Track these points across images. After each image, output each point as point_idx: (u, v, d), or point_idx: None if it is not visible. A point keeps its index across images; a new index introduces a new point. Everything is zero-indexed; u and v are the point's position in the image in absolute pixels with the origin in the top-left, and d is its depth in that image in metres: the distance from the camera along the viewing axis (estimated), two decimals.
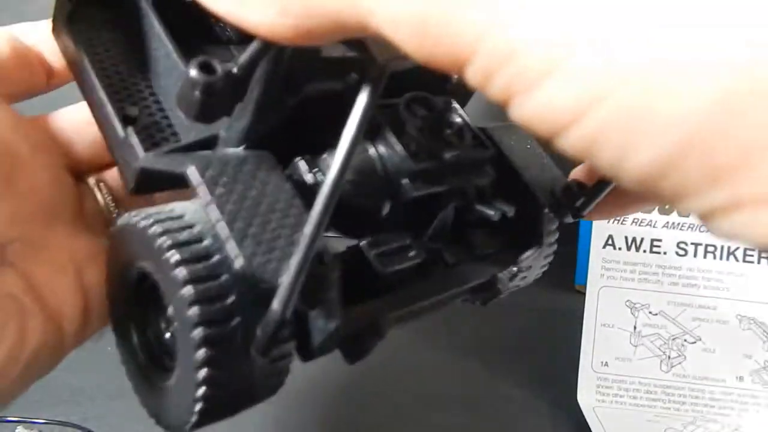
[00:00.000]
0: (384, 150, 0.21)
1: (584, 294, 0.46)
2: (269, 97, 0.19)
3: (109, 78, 0.23)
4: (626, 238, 0.45)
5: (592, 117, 0.12)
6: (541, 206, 0.25)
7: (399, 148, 0.21)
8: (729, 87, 0.11)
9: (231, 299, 0.17)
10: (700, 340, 0.45)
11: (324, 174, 0.20)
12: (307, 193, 0.20)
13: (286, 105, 0.20)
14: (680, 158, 0.11)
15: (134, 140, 0.21)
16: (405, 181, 0.21)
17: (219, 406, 0.19)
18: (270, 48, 0.17)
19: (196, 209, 0.19)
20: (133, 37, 0.24)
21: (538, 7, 0.12)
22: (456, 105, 0.24)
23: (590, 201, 0.24)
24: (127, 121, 0.22)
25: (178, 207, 0.19)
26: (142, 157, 0.21)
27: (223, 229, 0.17)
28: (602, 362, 0.45)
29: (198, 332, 0.17)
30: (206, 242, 0.18)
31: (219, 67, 0.16)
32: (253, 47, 0.17)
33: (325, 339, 0.18)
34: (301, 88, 0.20)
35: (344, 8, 0.14)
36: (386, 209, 0.21)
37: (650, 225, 0.45)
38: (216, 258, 0.17)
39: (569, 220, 0.25)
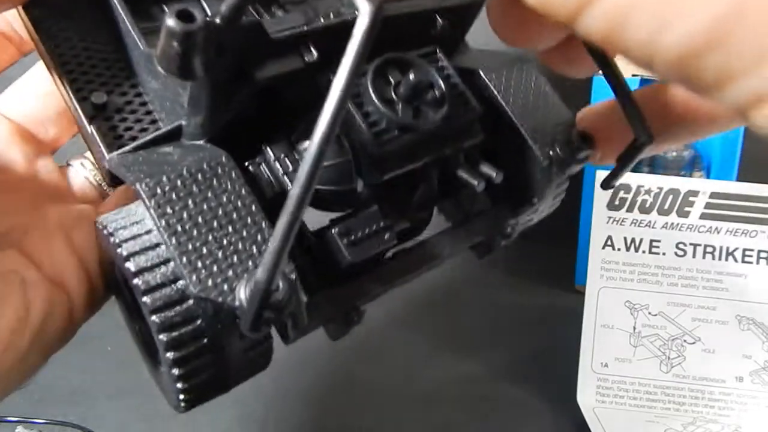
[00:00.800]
0: (349, 129, 0.20)
1: (584, 294, 0.46)
2: (219, 88, 0.18)
3: (70, 63, 0.22)
4: (625, 238, 0.45)
5: None
6: (540, 161, 0.23)
7: (364, 127, 0.19)
8: None
9: (188, 304, 0.17)
10: (700, 340, 0.45)
11: (292, 158, 0.20)
12: (274, 182, 0.20)
13: (242, 94, 0.19)
14: (731, 24, 0.10)
15: (98, 140, 0.21)
16: (371, 164, 0.20)
17: (199, 394, 0.19)
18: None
19: (149, 217, 0.18)
20: (101, 23, 0.23)
21: None
22: (441, 56, 0.22)
23: (616, 174, 0.22)
24: (94, 110, 0.21)
25: (141, 210, 0.18)
26: (107, 158, 0.21)
27: (173, 254, 0.17)
28: (602, 363, 0.45)
29: (162, 337, 0.17)
30: (162, 248, 0.17)
31: (199, 16, 0.15)
32: None
33: (298, 334, 0.19)
34: (254, 75, 0.18)
35: None
36: (360, 186, 0.20)
37: (649, 226, 0.45)
38: (172, 265, 0.17)
39: (574, 171, 0.23)
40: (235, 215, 0.18)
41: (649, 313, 0.45)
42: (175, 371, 0.17)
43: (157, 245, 0.17)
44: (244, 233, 0.17)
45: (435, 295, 0.52)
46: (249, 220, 0.18)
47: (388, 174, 0.20)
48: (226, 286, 0.17)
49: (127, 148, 0.21)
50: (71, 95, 0.21)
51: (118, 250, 0.18)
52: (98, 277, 0.24)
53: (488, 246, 0.25)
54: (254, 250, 0.17)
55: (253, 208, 0.18)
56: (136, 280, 0.17)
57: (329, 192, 0.20)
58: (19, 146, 0.26)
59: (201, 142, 0.20)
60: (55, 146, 0.27)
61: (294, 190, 0.13)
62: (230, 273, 0.17)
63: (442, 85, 0.21)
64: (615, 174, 0.22)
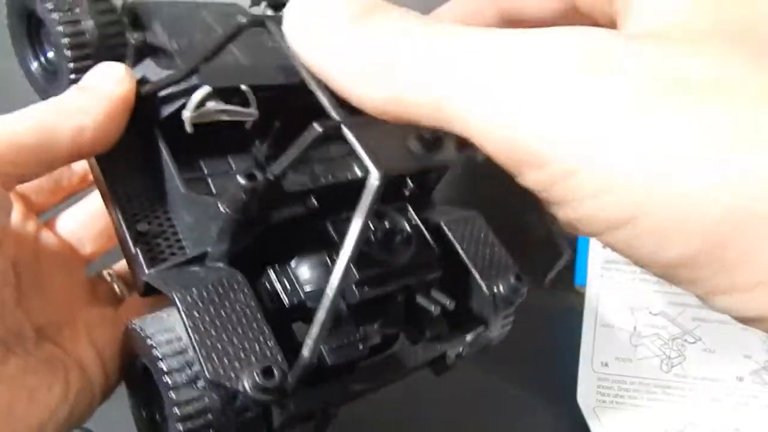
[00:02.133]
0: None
1: (584, 294, 0.46)
2: (241, 228, 0.24)
3: (123, 199, 0.28)
4: None
5: (637, 224, 0.15)
6: (487, 296, 0.29)
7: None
8: (730, 208, 0.14)
9: (206, 401, 0.22)
10: (700, 340, 0.45)
11: (287, 276, 0.26)
12: (275, 297, 0.26)
13: (255, 231, 0.25)
14: (699, 255, 0.15)
15: (140, 259, 0.26)
16: (352, 286, 0.25)
17: None
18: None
19: (180, 323, 0.23)
20: (148, 162, 0.28)
21: (601, 149, 0.15)
22: (410, 210, 0.29)
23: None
24: (138, 235, 0.27)
25: (172, 319, 0.23)
26: (146, 274, 0.26)
27: (195, 347, 0.22)
28: (602, 362, 0.45)
29: (179, 426, 0.21)
30: (190, 354, 0.22)
31: (260, 176, 0.22)
32: (285, 159, 0.22)
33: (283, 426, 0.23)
34: (268, 218, 0.25)
35: (439, 107, 0.17)
36: (342, 306, 0.26)
37: None
38: (196, 367, 0.22)
39: (514, 305, 0.30)
40: (244, 320, 0.23)
41: (650, 313, 0.45)
42: None
43: (185, 350, 0.22)
44: (250, 335, 0.22)
45: None
46: (254, 325, 0.23)
47: (364, 296, 0.25)
48: (232, 374, 0.21)
49: (163, 266, 0.26)
50: (122, 222, 0.27)
51: (154, 351, 0.22)
52: (113, 370, 0.29)
53: (444, 363, 0.31)
54: (256, 347, 0.22)
55: (258, 316, 0.23)
56: (165, 378, 0.22)
57: (312, 308, 0.25)
58: (62, 259, 0.32)
59: (221, 264, 0.25)
60: (89, 259, 0.34)
61: (320, 315, 0.20)
62: (236, 364, 0.22)
63: (410, 231, 0.27)
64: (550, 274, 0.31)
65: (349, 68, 0.19)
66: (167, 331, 0.23)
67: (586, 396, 0.44)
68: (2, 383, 0.24)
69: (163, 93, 0.27)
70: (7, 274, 0.26)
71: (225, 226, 0.24)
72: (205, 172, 0.28)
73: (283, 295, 0.26)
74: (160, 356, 0.22)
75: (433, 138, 0.21)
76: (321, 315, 0.20)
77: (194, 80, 0.26)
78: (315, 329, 0.20)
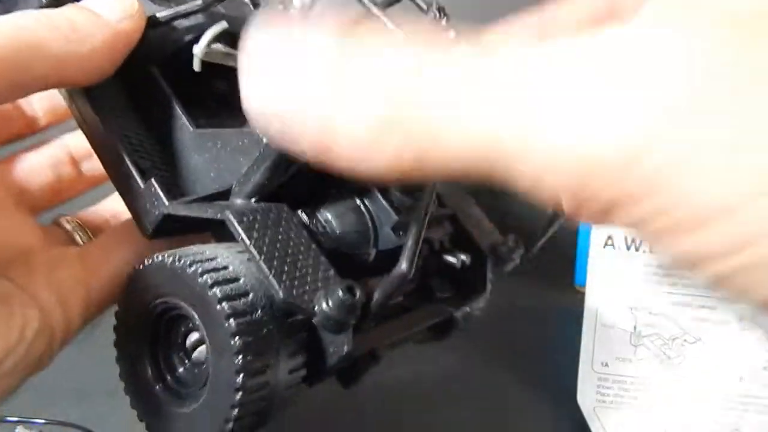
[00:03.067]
0: (371, 205, 0.25)
1: (584, 294, 0.46)
2: (280, 165, 0.22)
3: (118, 132, 0.26)
4: (626, 238, 0.45)
5: (739, 259, 0.13)
6: (485, 258, 0.29)
7: (385, 203, 0.25)
8: None
9: (266, 330, 0.20)
10: (700, 340, 0.45)
11: (319, 221, 0.24)
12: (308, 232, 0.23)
13: (291, 170, 0.23)
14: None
15: (159, 190, 0.24)
16: (388, 230, 0.25)
17: (250, 423, 0.21)
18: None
19: (227, 252, 0.22)
20: (144, 101, 0.26)
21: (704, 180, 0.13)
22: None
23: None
24: (140, 171, 0.25)
25: (207, 249, 0.22)
26: (168, 204, 0.24)
27: (263, 267, 0.20)
28: (602, 362, 0.45)
29: (239, 361, 0.20)
30: (242, 280, 0.21)
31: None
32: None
33: (338, 361, 0.21)
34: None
35: (474, 156, 0.14)
36: (372, 255, 0.25)
37: None
38: (251, 295, 0.20)
39: (508, 268, 0.31)
40: (302, 247, 0.21)
41: (650, 313, 0.45)
42: (238, 396, 0.20)
43: (237, 278, 0.21)
44: (310, 260, 0.21)
45: None
46: (311, 252, 0.21)
47: (400, 240, 0.24)
48: (306, 297, 0.20)
49: (185, 199, 0.24)
50: (124, 156, 0.25)
51: (200, 280, 0.20)
52: (76, 313, 0.26)
53: (445, 329, 0.30)
54: (318, 274, 0.21)
55: (313, 245, 0.22)
56: (222, 306, 0.20)
57: (349, 256, 0.24)
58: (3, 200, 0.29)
59: (252, 201, 0.23)
60: (34, 209, 0.30)
61: (414, 227, 0.21)
62: (307, 287, 0.20)
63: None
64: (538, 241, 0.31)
65: (350, 123, 0.14)
66: (209, 260, 0.21)
67: (586, 396, 0.44)
68: None
69: (164, 29, 0.25)
70: None
71: (265, 156, 0.22)
72: (198, 113, 0.27)
73: (316, 235, 0.24)
74: (210, 283, 0.20)
75: None
76: (416, 227, 0.20)
77: (198, 18, 0.25)
78: (409, 246, 0.20)
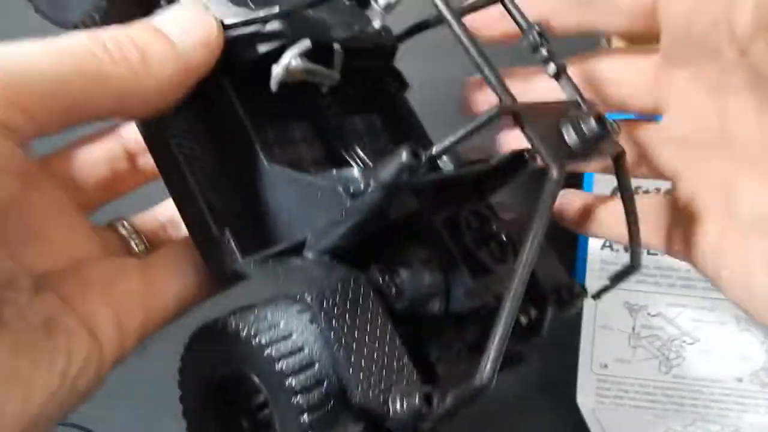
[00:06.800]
0: (448, 264, 0.22)
1: None
2: (363, 226, 0.20)
3: (198, 173, 0.23)
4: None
5: None
6: (548, 306, 0.26)
7: (463, 267, 0.22)
8: None
9: (338, 425, 0.19)
10: (699, 341, 0.45)
11: (395, 282, 0.22)
12: (379, 294, 0.21)
13: (371, 231, 0.21)
14: None
15: (231, 244, 0.22)
16: (461, 293, 0.22)
17: None
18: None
19: (301, 325, 0.20)
20: (214, 119, 0.24)
21: None
22: (491, 209, 0.25)
23: (607, 290, 0.28)
24: (217, 213, 0.23)
25: (281, 321, 0.20)
26: (239, 261, 0.22)
27: (341, 360, 0.19)
28: (601, 364, 0.45)
29: None
30: (317, 367, 0.19)
31: (423, 155, 0.18)
32: (453, 138, 0.19)
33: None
34: (391, 216, 0.21)
35: None
36: (441, 315, 0.23)
37: None
38: (326, 383, 0.19)
39: (568, 315, 0.28)
40: (377, 332, 0.19)
41: (648, 314, 0.45)
42: None
43: (312, 364, 0.19)
44: (386, 348, 0.19)
45: None
46: (388, 338, 0.19)
47: (473, 303, 0.22)
48: (381, 397, 0.18)
49: (258, 256, 0.22)
50: (197, 194, 0.22)
51: (275, 366, 0.19)
52: (131, 331, 0.23)
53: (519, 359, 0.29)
54: (394, 365, 0.19)
55: (389, 326, 0.19)
56: (295, 399, 0.18)
57: (417, 317, 0.22)
58: (59, 200, 0.26)
59: (326, 258, 0.21)
60: (88, 208, 0.27)
61: (499, 332, 0.18)
62: (383, 385, 0.19)
63: (504, 237, 0.24)
64: (606, 289, 0.28)
65: None
66: (284, 338, 0.19)
67: (585, 397, 0.44)
68: None
69: (238, 35, 0.22)
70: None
71: (348, 216, 0.20)
72: (270, 138, 0.24)
73: (388, 299, 0.22)
74: (286, 372, 0.19)
75: (590, 133, 0.20)
76: (499, 332, 0.18)
77: (276, 25, 0.22)
78: (493, 352, 0.18)
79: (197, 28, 0.21)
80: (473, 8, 0.27)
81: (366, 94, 0.28)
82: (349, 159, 0.26)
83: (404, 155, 0.18)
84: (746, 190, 0.25)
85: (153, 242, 0.28)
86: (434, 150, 0.19)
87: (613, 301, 0.45)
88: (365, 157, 0.26)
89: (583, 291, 0.27)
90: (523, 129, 0.19)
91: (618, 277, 0.27)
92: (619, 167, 0.25)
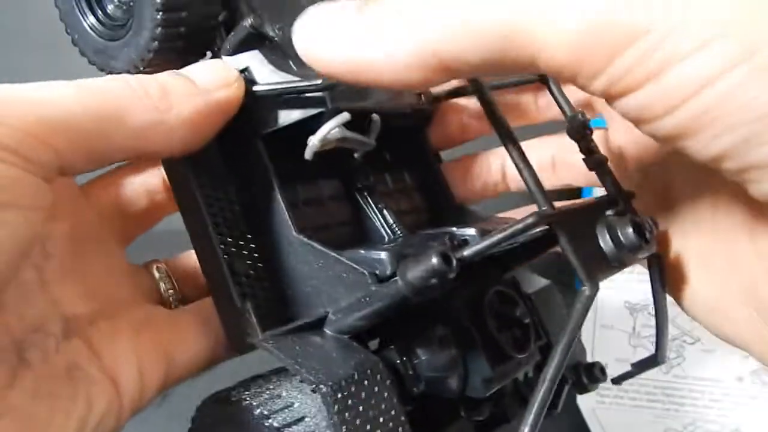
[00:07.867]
0: (467, 350, 0.22)
1: None
2: (386, 311, 0.20)
3: (223, 231, 0.23)
4: None
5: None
6: (565, 385, 0.26)
7: (482, 354, 0.22)
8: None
9: None
10: (699, 340, 0.45)
11: (414, 365, 0.22)
12: (397, 376, 0.21)
13: (393, 314, 0.21)
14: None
15: (252, 318, 0.22)
16: (478, 380, 0.22)
17: None
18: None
19: (316, 413, 0.20)
20: (246, 180, 0.23)
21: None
22: (518, 289, 0.25)
23: (627, 377, 0.28)
24: (240, 280, 0.22)
25: (296, 402, 0.20)
26: (259, 338, 0.21)
27: None
28: (602, 363, 0.45)
29: None
30: None
31: (454, 259, 0.18)
32: (486, 242, 0.18)
33: None
34: (414, 302, 0.21)
35: (507, 30, 0.16)
36: (455, 399, 0.23)
37: None
38: None
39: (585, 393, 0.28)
40: (391, 424, 0.19)
41: (649, 314, 0.45)
42: None
43: None
44: None
45: None
46: (400, 429, 0.19)
47: (489, 391, 0.22)
48: None
49: (277, 332, 0.21)
50: (221, 259, 0.22)
51: None
52: (151, 382, 0.23)
53: None
54: None
55: (402, 417, 0.19)
56: None
57: (433, 402, 0.22)
58: (100, 235, 0.25)
59: (345, 337, 0.21)
60: (126, 241, 0.27)
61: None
62: None
63: (527, 323, 0.24)
64: (628, 376, 0.27)
65: (379, 32, 0.17)
66: (296, 422, 0.19)
67: (585, 397, 0.44)
68: (5, 417, 0.19)
69: (271, 96, 0.22)
70: (33, 251, 0.21)
71: (373, 301, 0.20)
72: (299, 197, 0.24)
73: (406, 381, 0.22)
74: None
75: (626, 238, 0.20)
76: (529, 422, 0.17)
77: (317, 93, 0.22)
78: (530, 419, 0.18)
79: (218, 72, 0.22)
80: (513, 84, 0.26)
81: (399, 153, 0.28)
82: (377, 221, 0.26)
83: (434, 259, 0.17)
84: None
85: (184, 287, 0.28)
86: (465, 253, 0.18)
87: (613, 301, 0.45)
88: (394, 221, 0.25)
89: (603, 374, 0.27)
90: (558, 242, 0.19)
91: (641, 366, 0.27)
92: (653, 269, 0.25)
